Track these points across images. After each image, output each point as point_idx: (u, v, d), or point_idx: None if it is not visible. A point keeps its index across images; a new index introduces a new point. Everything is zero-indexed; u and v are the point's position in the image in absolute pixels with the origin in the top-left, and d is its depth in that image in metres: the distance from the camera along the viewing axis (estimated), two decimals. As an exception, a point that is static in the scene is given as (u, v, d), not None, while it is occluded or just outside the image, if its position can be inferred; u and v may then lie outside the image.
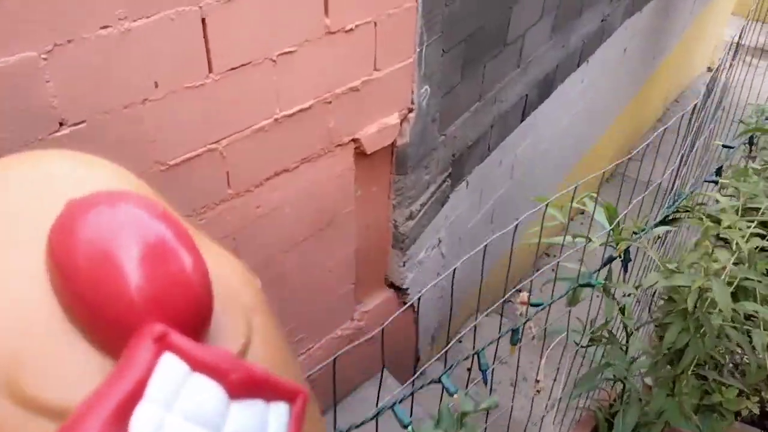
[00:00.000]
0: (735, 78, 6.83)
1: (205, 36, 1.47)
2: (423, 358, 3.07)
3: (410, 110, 2.14)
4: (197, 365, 0.29)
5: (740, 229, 1.34)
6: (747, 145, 2.03)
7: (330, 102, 1.84)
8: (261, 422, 0.31)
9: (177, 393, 0.28)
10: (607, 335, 1.52)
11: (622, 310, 1.51)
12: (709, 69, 6.89)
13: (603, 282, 1.32)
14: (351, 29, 1.78)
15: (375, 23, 1.84)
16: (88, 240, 0.29)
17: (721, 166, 1.75)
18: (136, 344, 0.28)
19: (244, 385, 0.30)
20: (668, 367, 1.49)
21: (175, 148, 1.54)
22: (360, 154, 2.06)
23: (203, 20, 1.45)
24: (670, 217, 1.63)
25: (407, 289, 2.57)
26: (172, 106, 1.48)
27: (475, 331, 1.78)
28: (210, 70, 1.52)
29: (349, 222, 2.18)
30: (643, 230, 1.59)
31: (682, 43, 5.51)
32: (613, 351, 1.30)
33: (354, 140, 2.01)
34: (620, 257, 1.55)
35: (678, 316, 1.24)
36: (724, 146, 1.66)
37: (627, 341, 1.60)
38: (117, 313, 0.29)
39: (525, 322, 1.43)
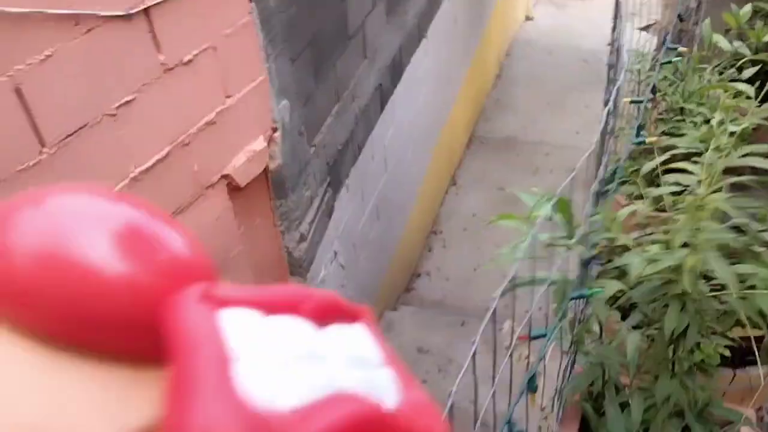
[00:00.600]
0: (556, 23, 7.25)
1: (25, 107, 1.24)
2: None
3: (275, 129, 2.00)
4: (265, 307, 0.27)
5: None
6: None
7: (188, 143, 1.66)
8: (356, 343, 0.29)
9: (268, 340, 0.25)
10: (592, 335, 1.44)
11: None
12: (528, 18, 7.27)
13: (600, 290, 1.24)
14: (189, 60, 1.60)
15: (214, 48, 1.67)
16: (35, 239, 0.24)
17: (642, 124, 1.68)
18: (178, 318, 0.24)
19: (319, 312, 0.28)
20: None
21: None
22: (234, 189, 1.89)
23: (17, 90, 1.22)
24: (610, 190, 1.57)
25: (317, 311, 2.44)
26: (6, 198, 1.23)
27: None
28: (42, 144, 1.29)
29: (240, 263, 2.00)
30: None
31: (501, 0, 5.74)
32: (605, 350, 1.24)
33: (224, 176, 1.83)
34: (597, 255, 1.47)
35: (673, 299, 1.19)
36: (633, 102, 1.66)
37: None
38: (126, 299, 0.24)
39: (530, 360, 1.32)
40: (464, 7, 4.45)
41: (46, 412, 0.22)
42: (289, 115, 2.06)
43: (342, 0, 2.38)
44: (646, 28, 7.23)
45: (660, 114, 1.69)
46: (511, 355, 1.02)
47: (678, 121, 1.60)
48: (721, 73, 1.69)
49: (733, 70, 1.71)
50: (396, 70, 3.13)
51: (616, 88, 1.60)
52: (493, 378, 1.00)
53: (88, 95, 1.36)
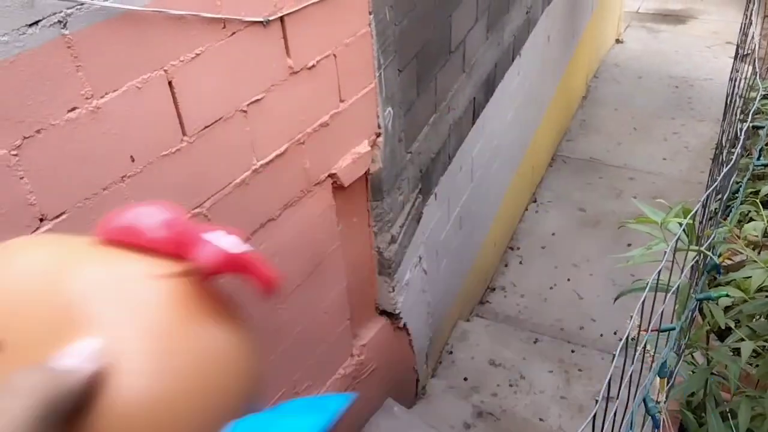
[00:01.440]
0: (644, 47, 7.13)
1: (174, 99, 1.38)
2: (421, 378, 3.03)
3: (378, 135, 2.10)
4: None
5: None
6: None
7: (303, 142, 1.78)
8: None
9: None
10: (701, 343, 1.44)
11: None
12: (618, 41, 7.18)
13: (725, 293, 1.25)
14: (313, 65, 1.72)
15: (334, 55, 1.79)
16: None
17: (762, 148, 1.65)
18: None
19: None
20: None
21: (160, 220, 1.44)
22: (337, 188, 2.00)
23: (170, 83, 1.36)
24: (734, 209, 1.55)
25: (399, 313, 2.52)
26: (151, 177, 1.38)
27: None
28: (184, 133, 1.43)
29: (337, 259, 2.12)
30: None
31: (592, 20, 5.70)
32: (718, 354, 1.25)
33: (331, 175, 1.95)
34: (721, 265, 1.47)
35: None
36: (755, 127, 1.65)
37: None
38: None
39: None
40: (558, 27, 4.47)
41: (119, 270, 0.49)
42: (392, 121, 2.16)
43: (449, 15, 2.47)
44: (743, 58, 7.01)
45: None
46: (636, 347, 1.06)
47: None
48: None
49: None
50: (489, 85, 3.19)
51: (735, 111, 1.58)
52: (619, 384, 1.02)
53: (226, 92, 1.50)
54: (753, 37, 2.90)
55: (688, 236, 1.33)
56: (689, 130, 5.70)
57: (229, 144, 1.55)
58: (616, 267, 4.30)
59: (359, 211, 2.20)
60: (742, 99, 1.93)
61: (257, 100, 1.59)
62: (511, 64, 3.49)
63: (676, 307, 1.30)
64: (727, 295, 1.27)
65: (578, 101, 6.02)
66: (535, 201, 4.94)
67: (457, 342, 3.56)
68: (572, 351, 3.62)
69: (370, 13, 1.88)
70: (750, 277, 1.25)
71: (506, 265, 4.34)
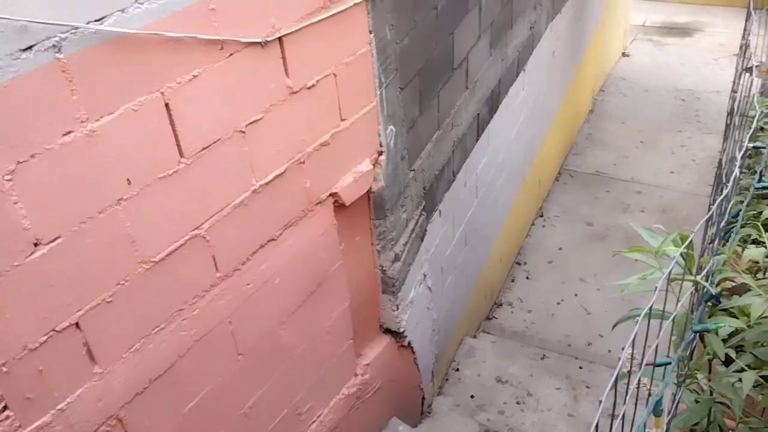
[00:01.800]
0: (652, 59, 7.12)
1: (171, 121, 1.38)
2: (426, 396, 2.99)
3: (380, 153, 2.09)
4: None
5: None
6: None
7: (303, 162, 1.77)
8: None
9: None
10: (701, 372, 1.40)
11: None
12: (624, 54, 7.16)
13: (723, 325, 1.22)
14: (313, 85, 1.72)
15: (334, 74, 1.78)
16: None
17: (763, 170, 1.60)
18: None
19: None
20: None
21: (157, 243, 1.43)
22: (339, 207, 1.99)
23: (167, 105, 1.36)
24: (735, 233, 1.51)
25: (404, 332, 2.50)
26: (148, 200, 1.37)
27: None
28: (181, 155, 1.42)
29: (340, 278, 2.10)
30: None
31: (598, 34, 5.69)
32: (718, 385, 1.22)
33: (332, 194, 1.94)
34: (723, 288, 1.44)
35: None
36: (756, 147, 1.62)
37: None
38: None
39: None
40: (563, 41, 4.46)
41: None
42: (394, 139, 2.15)
43: (450, 32, 2.47)
44: (749, 70, 6.98)
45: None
46: (628, 383, 1.03)
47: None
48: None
49: None
50: (494, 101, 3.18)
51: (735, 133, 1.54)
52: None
53: (224, 113, 1.49)
54: (750, 47, 2.87)
55: (686, 262, 1.30)
56: (696, 143, 5.66)
57: (227, 165, 1.54)
58: (624, 283, 4.26)
59: (362, 229, 2.18)
60: (743, 117, 1.90)
61: (256, 121, 1.58)
62: (516, 80, 3.48)
63: (673, 338, 1.27)
64: (727, 325, 1.23)
65: (585, 115, 6.00)
66: (542, 215, 4.91)
67: (463, 359, 3.52)
68: (580, 367, 3.57)
69: (370, 32, 1.87)
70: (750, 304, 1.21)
71: (513, 281, 4.30)
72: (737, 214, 1.36)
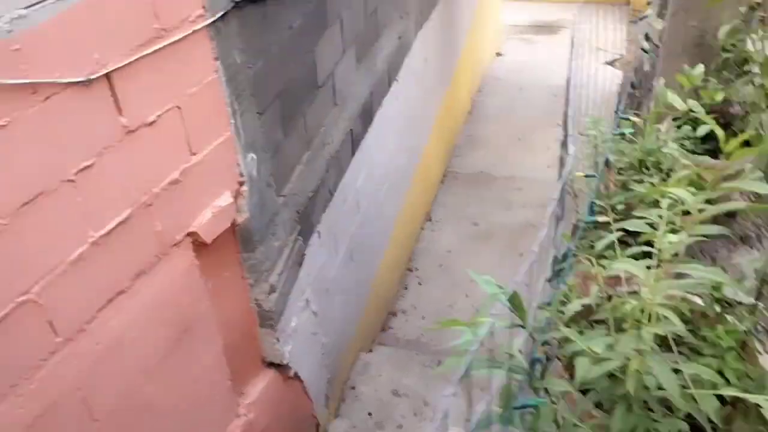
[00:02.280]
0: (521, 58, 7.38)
1: (-23, 179, 1.21)
2: (321, 422, 2.91)
3: (242, 183, 1.98)
4: None
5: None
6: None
7: (151, 204, 1.63)
8: None
9: None
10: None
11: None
12: (498, 54, 7.39)
13: (544, 401, 1.20)
14: (153, 121, 1.58)
15: (178, 107, 1.66)
16: None
17: (593, 202, 1.64)
18: None
19: None
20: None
21: (-25, 316, 1.25)
22: (200, 245, 1.86)
23: (-31, 162, 1.19)
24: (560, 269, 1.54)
25: (288, 363, 2.39)
26: None
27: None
28: (-5, 215, 1.25)
29: (208, 320, 1.97)
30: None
31: (470, 36, 5.82)
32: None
33: (190, 234, 1.80)
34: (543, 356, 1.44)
35: (620, 399, 1.16)
36: (587, 176, 1.64)
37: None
38: None
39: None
40: (434, 46, 4.51)
41: None
42: (257, 167, 2.04)
43: (311, 50, 2.39)
44: (612, 63, 7.41)
45: (620, 170, 1.69)
46: None
47: (636, 181, 1.61)
48: (679, 127, 1.72)
49: (688, 127, 1.74)
50: (367, 114, 3.14)
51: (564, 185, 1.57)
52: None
53: (45, 162, 1.34)
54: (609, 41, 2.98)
55: (517, 312, 1.29)
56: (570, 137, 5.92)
57: (56, 218, 1.38)
58: (511, 279, 4.37)
59: (230, 265, 2.06)
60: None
61: (87, 167, 1.43)
62: (389, 90, 3.46)
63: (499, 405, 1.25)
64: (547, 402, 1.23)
65: (464, 116, 6.12)
66: (429, 219, 4.95)
67: (358, 376, 3.46)
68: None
69: (216, 59, 1.76)
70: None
71: (406, 288, 4.30)
72: (566, 256, 1.37)
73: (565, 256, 1.38)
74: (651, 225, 1.22)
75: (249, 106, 1.96)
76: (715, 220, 1.33)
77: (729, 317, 1.25)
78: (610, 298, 1.23)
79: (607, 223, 1.37)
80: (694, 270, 1.13)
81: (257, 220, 2.08)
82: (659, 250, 1.16)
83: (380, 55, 3.22)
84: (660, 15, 2.68)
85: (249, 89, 1.94)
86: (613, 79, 6.48)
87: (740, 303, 1.25)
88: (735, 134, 1.76)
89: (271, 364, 2.40)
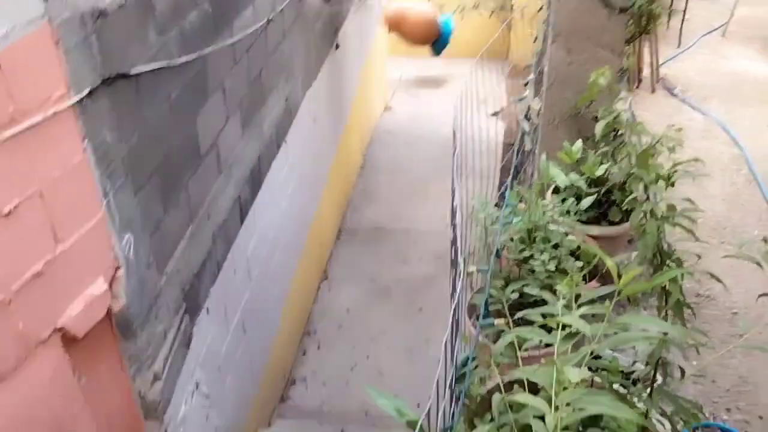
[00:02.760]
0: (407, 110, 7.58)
1: None
2: None
3: (117, 268, 1.83)
4: None
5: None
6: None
7: (9, 302, 1.46)
8: None
9: None
10: None
11: None
12: (386, 108, 7.56)
13: None
14: (10, 212, 1.43)
15: (41, 194, 1.52)
16: None
17: (481, 288, 1.64)
18: None
19: None
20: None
21: None
22: (71, 340, 1.69)
23: None
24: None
25: (179, 454, 2.22)
26: None
27: None
28: None
29: (83, 420, 1.78)
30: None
31: (359, 92, 5.92)
32: None
33: (58, 330, 1.63)
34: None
35: None
36: (479, 270, 1.64)
37: None
38: None
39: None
40: (324, 104, 4.52)
41: None
42: (134, 248, 1.91)
43: (192, 120, 2.30)
44: (495, 114, 7.77)
45: (511, 237, 1.73)
46: None
47: (527, 257, 1.64)
48: (563, 201, 1.79)
49: (572, 200, 1.82)
50: (255, 179, 3.06)
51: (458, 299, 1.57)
52: None
53: None
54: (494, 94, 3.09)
55: None
56: (460, 187, 6.08)
57: None
58: (413, 333, 4.36)
59: (107, 357, 1.89)
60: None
61: (-72, 270, 1.26)
62: (278, 153, 3.41)
63: None
64: None
65: (357, 171, 6.16)
66: (326, 278, 4.87)
67: (259, 455, 3.28)
68: (379, 436, 3.52)
69: (84, 139, 1.64)
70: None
71: (304, 353, 4.17)
72: (465, 362, 1.36)
73: (465, 363, 1.35)
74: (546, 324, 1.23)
75: (123, 185, 1.83)
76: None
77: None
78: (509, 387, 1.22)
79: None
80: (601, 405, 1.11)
81: (136, 305, 1.93)
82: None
83: (267, 118, 3.17)
84: (537, 94, 2.83)
85: (123, 167, 1.82)
86: (497, 130, 6.78)
87: (640, 381, 1.28)
88: (615, 202, 1.86)
89: (159, 458, 2.20)
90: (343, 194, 5.57)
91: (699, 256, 2.58)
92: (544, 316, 1.24)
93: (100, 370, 1.87)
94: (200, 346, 2.47)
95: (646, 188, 1.57)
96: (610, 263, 1.19)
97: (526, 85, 2.06)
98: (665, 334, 1.27)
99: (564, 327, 1.16)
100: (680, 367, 1.46)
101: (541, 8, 4.80)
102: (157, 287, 2.07)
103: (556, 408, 1.04)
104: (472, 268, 1.50)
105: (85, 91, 1.61)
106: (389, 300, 4.66)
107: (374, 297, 4.70)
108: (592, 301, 1.25)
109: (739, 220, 3.32)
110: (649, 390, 1.28)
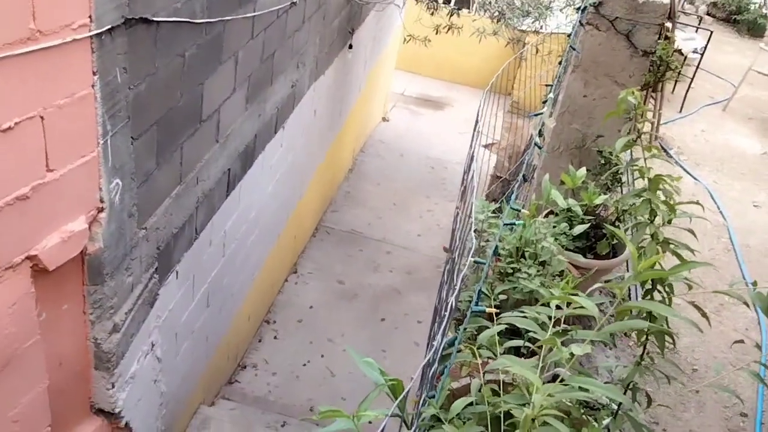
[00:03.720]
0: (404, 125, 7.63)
1: None
2: (149, 478, 2.65)
3: (100, 210, 1.81)
4: None
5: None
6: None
7: (-11, 218, 1.44)
8: None
9: None
10: None
11: None
12: (384, 119, 7.59)
13: None
14: (9, 128, 1.41)
15: (42, 117, 1.50)
16: None
17: (481, 291, 1.64)
18: None
19: None
20: None
21: None
22: (40, 271, 1.66)
23: None
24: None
25: (120, 412, 2.18)
26: None
27: None
28: None
29: (35, 356, 1.74)
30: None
31: (361, 98, 5.94)
32: None
33: (30, 257, 1.61)
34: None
35: None
36: (476, 262, 1.65)
37: None
38: None
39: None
40: (326, 100, 4.53)
41: None
42: (120, 195, 1.89)
43: (200, 83, 2.30)
44: (488, 146, 7.86)
45: (499, 257, 1.74)
46: None
47: (515, 269, 1.66)
48: (554, 227, 1.82)
49: (565, 225, 1.85)
50: (248, 156, 3.05)
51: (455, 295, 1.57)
52: None
53: None
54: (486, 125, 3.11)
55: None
56: (441, 209, 6.12)
57: None
58: (371, 341, 4.35)
59: (72, 297, 1.86)
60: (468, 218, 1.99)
61: None
62: (274, 136, 3.40)
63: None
64: None
65: (345, 174, 6.17)
66: (296, 272, 4.85)
67: (198, 430, 3.23)
68: (320, 434, 3.50)
69: (94, 74, 1.62)
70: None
71: (260, 341, 4.14)
72: (453, 342, 1.37)
73: (451, 343, 1.36)
74: (535, 320, 1.24)
75: (123, 129, 1.82)
76: (578, 319, 1.38)
77: (594, 421, 1.29)
78: (481, 387, 1.22)
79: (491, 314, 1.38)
80: (588, 384, 1.13)
81: (112, 251, 1.90)
82: (551, 350, 1.16)
83: (271, 99, 3.17)
84: (551, 115, 2.88)
85: (126, 111, 1.81)
86: (488, 161, 6.85)
87: (603, 406, 1.30)
88: (604, 236, 1.89)
89: (100, 411, 2.16)
90: (328, 193, 5.57)
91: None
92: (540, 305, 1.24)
93: (61, 309, 1.84)
94: (163, 309, 2.44)
95: (652, 212, 1.61)
96: (631, 247, 1.19)
97: (544, 102, 2.09)
98: (651, 320, 1.26)
99: (555, 324, 1.18)
100: (647, 395, 1.48)
101: (550, 51, 4.88)
102: (135, 239, 2.05)
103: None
104: (471, 259, 1.51)
105: (106, 27, 1.60)
106: (353, 304, 4.66)
107: (339, 299, 4.69)
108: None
109: (711, 284, 3.40)
110: (613, 414, 1.30)
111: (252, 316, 3.98)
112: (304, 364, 4.02)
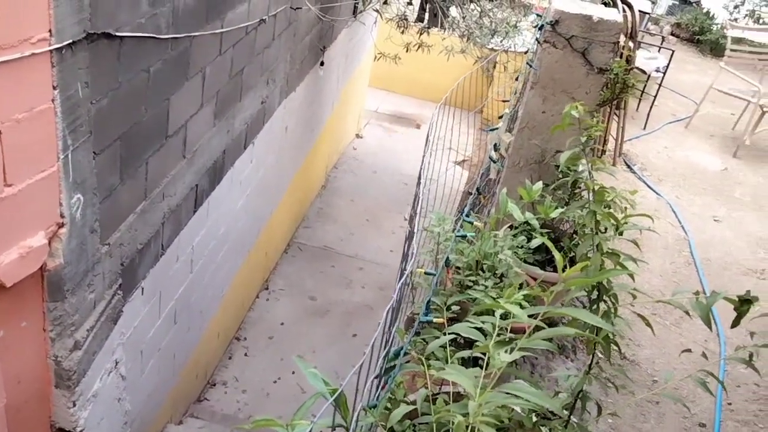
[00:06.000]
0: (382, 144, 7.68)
1: None
2: (112, 499, 2.60)
3: (61, 225, 1.79)
4: None
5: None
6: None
7: (-58, 234, 1.42)
8: None
9: None
10: None
11: None
12: (358, 136, 7.63)
13: None
14: (-36, 141, 1.40)
15: (-1, 131, 1.49)
16: None
17: (430, 301, 1.65)
18: None
19: None
20: None
21: None
22: (-3, 288, 1.63)
23: None
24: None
25: (82, 431, 2.14)
26: None
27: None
28: None
29: (-9, 374, 1.71)
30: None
31: (334, 115, 5.96)
32: None
33: (-15, 274, 1.58)
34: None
35: None
36: (427, 273, 1.67)
37: None
38: None
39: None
40: (298, 117, 4.55)
41: None
42: (81, 210, 1.87)
43: (166, 98, 2.29)
44: (460, 163, 7.93)
45: (458, 269, 1.76)
46: None
47: (473, 282, 1.68)
48: (514, 237, 1.85)
49: (523, 238, 1.88)
50: (217, 172, 3.04)
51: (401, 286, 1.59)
52: None
53: None
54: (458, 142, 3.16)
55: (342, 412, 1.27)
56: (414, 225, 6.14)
57: None
58: (342, 357, 4.33)
59: (30, 314, 1.83)
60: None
61: None
62: (243, 152, 3.40)
63: None
64: None
65: (317, 190, 6.17)
66: (267, 288, 4.82)
67: (164, 451, 3.18)
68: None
69: (54, 88, 1.62)
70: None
71: (230, 358, 4.09)
72: (398, 354, 1.38)
73: (397, 354, 1.36)
74: (482, 331, 1.26)
75: (85, 144, 1.81)
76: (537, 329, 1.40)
77: (544, 429, 1.30)
78: (435, 400, 1.24)
79: (442, 323, 1.39)
80: (520, 391, 1.16)
81: (72, 267, 1.88)
82: (490, 359, 1.19)
83: (240, 115, 3.17)
84: (509, 129, 2.92)
85: (88, 126, 1.80)
86: (460, 178, 6.91)
87: (555, 415, 1.31)
88: (563, 249, 1.92)
89: (61, 430, 2.12)
90: (300, 209, 5.56)
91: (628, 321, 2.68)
92: (483, 313, 1.26)
93: (20, 326, 1.81)
94: (127, 326, 2.41)
95: (597, 223, 1.64)
96: (557, 255, 1.22)
97: (500, 117, 2.13)
98: (598, 329, 1.30)
99: (500, 333, 1.20)
100: (597, 404, 1.50)
101: (516, 70, 4.97)
102: (97, 255, 2.03)
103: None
104: (420, 270, 1.52)
105: (67, 41, 1.60)
106: (325, 321, 4.64)
107: (311, 315, 4.67)
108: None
109: (671, 296, 3.49)
110: (565, 422, 1.31)
111: (222, 333, 3.95)
112: (275, 381, 3.98)
